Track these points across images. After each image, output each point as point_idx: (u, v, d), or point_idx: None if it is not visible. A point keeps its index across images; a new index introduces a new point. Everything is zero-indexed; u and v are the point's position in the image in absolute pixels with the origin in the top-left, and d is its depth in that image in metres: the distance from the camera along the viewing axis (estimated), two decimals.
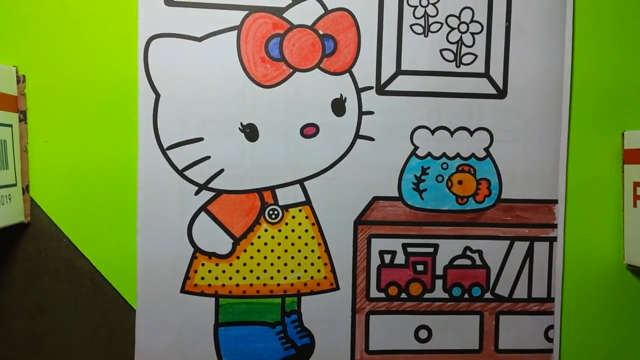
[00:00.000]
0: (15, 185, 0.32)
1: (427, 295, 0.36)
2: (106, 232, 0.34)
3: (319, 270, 0.36)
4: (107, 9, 0.33)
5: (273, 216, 0.35)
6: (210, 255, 0.35)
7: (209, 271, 0.35)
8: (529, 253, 0.37)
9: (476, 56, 0.35)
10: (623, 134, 0.37)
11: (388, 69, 0.35)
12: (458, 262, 0.37)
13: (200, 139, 0.34)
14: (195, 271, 0.35)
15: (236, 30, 0.34)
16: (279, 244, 0.36)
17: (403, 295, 0.36)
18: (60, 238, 0.34)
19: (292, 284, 0.36)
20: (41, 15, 0.33)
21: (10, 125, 0.32)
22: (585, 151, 0.37)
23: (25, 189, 0.34)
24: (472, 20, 0.35)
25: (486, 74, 0.35)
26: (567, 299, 0.37)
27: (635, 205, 0.36)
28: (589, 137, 0.37)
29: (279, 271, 0.36)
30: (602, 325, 0.38)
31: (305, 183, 0.35)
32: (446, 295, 0.36)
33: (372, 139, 0.35)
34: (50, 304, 0.34)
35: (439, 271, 0.36)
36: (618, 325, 0.38)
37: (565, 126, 0.36)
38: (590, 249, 0.37)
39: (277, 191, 0.35)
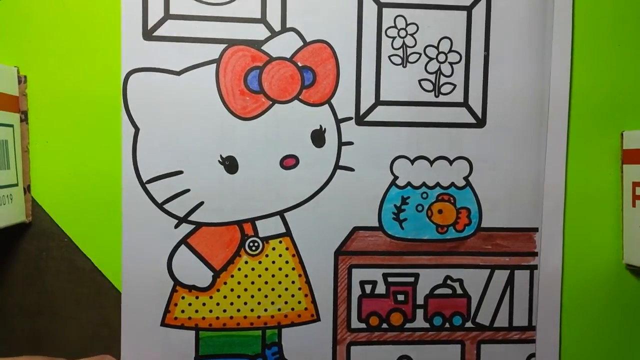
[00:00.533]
0: (16, 185, 0.32)
1: (408, 325, 0.36)
2: (107, 232, 0.34)
3: (299, 302, 0.36)
4: (107, 9, 0.33)
5: (253, 248, 0.35)
6: (191, 288, 0.35)
7: (189, 304, 0.35)
8: (510, 281, 0.37)
9: (455, 86, 0.36)
10: (622, 134, 0.37)
11: (367, 100, 0.35)
12: (439, 291, 0.37)
13: (180, 172, 0.34)
14: (176, 304, 0.35)
15: (215, 64, 0.34)
16: (260, 275, 0.35)
17: (384, 325, 0.36)
18: (61, 238, 0.34)
19: (272, 316, 0.36)
20: (42, 15, 0.33)
21: (12, 126, 0.32)
22: (585, 151, 0.37)
23: (27, 189, 0.34)
24: (450, 50, 0.35)
25: (465, 104, 0.36)
26: (566, 299, 0.37)
27: (634, 205, 0.36)
28: (588, 137, 0.37)
29: (259, 303, 0.36)
30: (602, 325, 0.38)
31: (286, 214, 0.35)
32: (427, 325, 0.36)
33: (352, 170, 0.35)
34: (51, 304, 0.34)
35: (420, 301, 0.36)
36: (617, 325, 0.38)
37: (564, 126, 0.36)
38: (590, 248, 0.37)
39: (258, 223, 0.35)
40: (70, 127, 0.34)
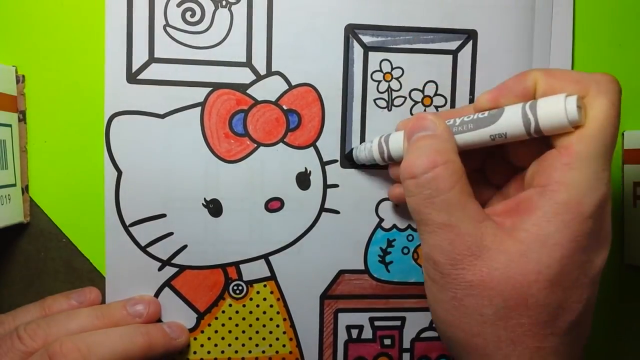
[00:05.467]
0: (14, 185, 0.32)
1: None
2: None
3: (284, 345, 0.35)
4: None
5: (237, 291, 0.35)
6: None
7: None
8: None
9: None
10: (623, 134, 0.37)
11: (352, 143, 0.35)
12: (425, 334, 0.36)
13: (163, 215, 0.34)
14: None
15: (200, 107, 0.34)
16: (244, 318, 0.35)
17: None
18: (59, 238, 0.34)
19: (256, 358, 0.35)
20: (41, 15, 0.33)
21: (10, 125, 0.32)
22: None
23: (25, 189, 0.33)
24: (435, 94, 0.35)
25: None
26: None
27: (635, 205, 0.36)
28: None
29: (243, 345, 0.35)
30: (602, 325, 0.38)
31: (270, 258, 0.35)
32: None
33: (337, 212, 0.35)
34: None
35: (407, 344, 0.36)
36: (618, 325, 0.38)
37: None
38: None
39: (242, 266, 0.35)
40: (69, 127, 0.33)
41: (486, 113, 0.27)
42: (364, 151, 0.33)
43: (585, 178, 0.24)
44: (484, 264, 0.25)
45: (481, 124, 0.27)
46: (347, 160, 0.35)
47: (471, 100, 0.36)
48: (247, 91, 0.34)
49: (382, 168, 0.35)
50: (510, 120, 0.26)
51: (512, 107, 0.26)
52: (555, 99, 0.25)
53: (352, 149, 0.34)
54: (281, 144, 0.34)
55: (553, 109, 0.24)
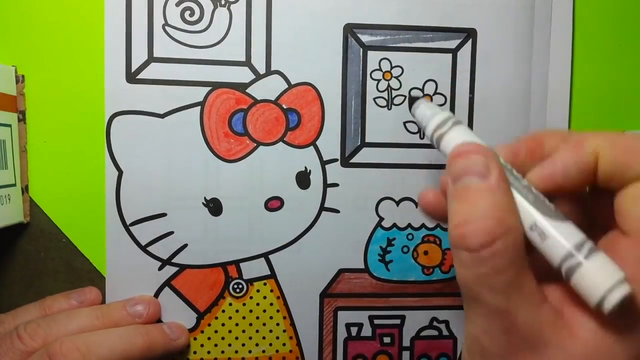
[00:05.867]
0: (14, 185, 0.32)
1: None
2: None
3: (284, 344, 0.36)
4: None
5: (237, 290, 0.35)
6: None
7: None
8: None
9: None
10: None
11: (352, 142, 0.35)
12: (425, 333, 0.36)
13: (164, 215, 0.34)
14: None
15: (199, 106, 0.34)
16: (244, 317, 0.35)
17: None
18: (59, 238, 0.34)
19: (257, 358, 0.35)
20: (41, 15, 0.33)
21: (10, 125, 0.32)
22: None
23: (25, 189, 0.33)
24: (435, 93, 0.35)
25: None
26: None
27: None
28: None
29: (243, 345, 0.35)
30: None
31: (270, 256, 0.35)
32: None
33: (337, 211, 0.35)
34: None
35: (406, 343, 0.36)
36: None
37: (565, 127, 0.36)
38: None
39: (242, 265, 0.35)
40: (68, 126, 0.33)
41: (548, 202, 0.22)
42: (423, 114, 0.26)
43: None
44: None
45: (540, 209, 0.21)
46: (410, 103, 0.31)
47: (471, 99, 0.36)
48: (247, 90, 0.34)
49: (380, 167, 0.35)
50: (555, 249, 0.21)
51: (560, 232, 0.21)
52: (604, 276, 0.20)
53: (415, 98, 0.28)
54: (281, 143, 0.34)
55: (591, 284, 0.20)
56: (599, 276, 0.19)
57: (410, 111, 0.28)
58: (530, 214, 0.21)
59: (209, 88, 0.34)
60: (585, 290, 0.20)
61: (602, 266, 0.20)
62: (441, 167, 0.36)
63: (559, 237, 0.20)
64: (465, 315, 0.22)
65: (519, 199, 0.21)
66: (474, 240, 0.20)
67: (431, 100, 0.35)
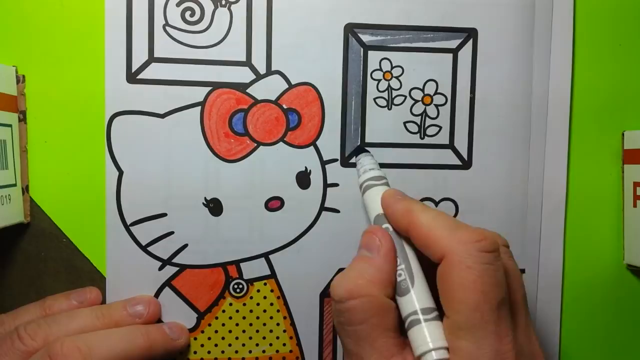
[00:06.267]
0: (15, 185, 0.32)
1: None
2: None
3: (284, 344, 0.36)
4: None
5: (238, 290, 0.35)
6: None
7: None
8: None
9: (440, 128, 0.36)
10: (623, 134, 0.37)
11: (352, 142, 0.35)
12: None
13: (164, 215, 0.34)
14: None
15: (200, 106, 0.34)
16: (244, 317, 0.35)
17: None
18: (60, 238, 0.34)
19: (257, 358, 0.36)
20: (41, 15, 0.33)
21: (10, 125, 0.32)
22: (586, 151, 0.37)
23: (25, 189, 0.33)
24: (436, 92, 0.35)
25: (450, 145, 0.36)
26: (566, 299, 0.37)
27: (635, 206, 0.36)
28: (589, 137, 0.37)
29: (243, 345, 0.35)
30: (602, 325, 0.38)
31: (271, 256, 0.35)
32: None
33: (337, 211, 0.35)
34: None
35: None
36: (618, 326, 0.38)
37: (565, 126, 0.36)
38: (590, 249, 0.37)
39: (242, 265, 0.35)
40: (69, 127, 0.33)
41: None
42: (360, 173, 0.33)
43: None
44: None
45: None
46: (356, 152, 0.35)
47: (472, 99, 0.36)
48: (247, 90, 0.34)
49: (381, 167, 0.35)
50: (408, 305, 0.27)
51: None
52: (434, 338, 0.25)
53: (358, 153, 0.34)
54: (281, 143, 0.34)
55: (422, 339, 0.25)
56: (429, 336, 0.25)
57: (355, 158, 0.34)
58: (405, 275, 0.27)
59: (210, 88, 0.34)
60: (416, 342, 0.25)
61: (434, 330, 0.25)
62: (441, 167, 0.36)
63: (414, 297, 0.26)
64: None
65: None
66: (337, 295, 0.27)
67: (431, 101, 0.35)
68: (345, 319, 0.26)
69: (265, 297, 0.35)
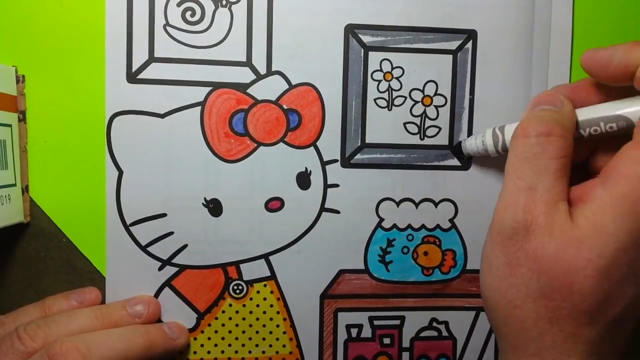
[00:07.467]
0: (14, 185, 0.32)
1: None
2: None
3: (284, 345, 0.36)
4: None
5: (237, 291, 0.35)
6: None
7: None
8: None
9: (440, 129, 0.36)
10: None
11: (353, 142, 0.35)
12: (425, 333, 0.36)
13: (164, 215, 0.34)
14: None
15: (200, 106, 0.34)
16: (244, 318, 0.35)
17: None
18: (59, 238, 0.34)
19: (256, 358, 0.35)
20: (40, 15, 0.33)
21: (10, 125, 0.32)
22: None
23: (25, 189, 0.33)
24: (435, 94, 0.35)
25: (450, 146, 0.36)
26: None
27: None
28: None
29: (243, 345, 0.35)
30: None
31: (270, 257, 0.35)
32: None
33: (337, 212, 0.35)
34: None
35: (406, 343, 0.36)
36: None
37: None
38: None
39: (242, 266, 0.35)
40: (68, 126, 0.33)
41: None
42: (475, 142, 0.34)
43: None
44: (543, 239, 0.25)
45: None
46: (454, 153, 0.35)
47: (471, 100, 0.36)
48: (247, 91, 0.34)
49: (381, 167, 0.35)
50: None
51: None
52: None
53: (459, 142, 0.35)
54: (281, 143, 0.34)
55: None
56: None
57: (465, 154, 0.35)
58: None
59: (210, 88, 0.34)
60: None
61: None
62: (441, 167, 0.36)
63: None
64: (500, 195, 0.28)
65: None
66: (534, 130, 0.27)
67: (431, 101, 0.35)
68: (539, 151, 0.27)
69: (265, 299, 0.35)
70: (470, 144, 0.34)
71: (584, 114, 0.29)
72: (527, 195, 0.26)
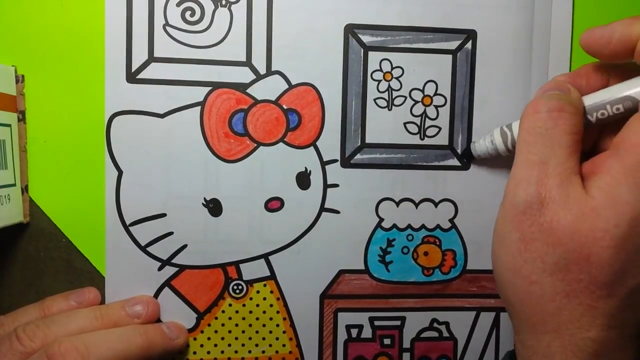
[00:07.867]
0: (14, 185, 0.32)
1: None
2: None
3: (284, 345, 0.35)
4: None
5: (237, 291, 0.35)
6: None
7: None
8: (495, 323, 0.37)
9: (440, 128, 0.36)
10: None
11: (352, 142, 0.35)
12: (425, 334, 0.36)
13: (163, 215, 0.34)
14: None
15: (199, 106, 0.34)
16: (244, 318, 0.35)
17: None
18: (59, 238, 0.34)
19: (256, 359, 0.35)
20: (40, 15, 0.33)
21: (9, 125, 0.32)
22: None
23: (25, 189, 0.33)
24: (435, 93, 0.35)
25: (450, 146, 0.36)
26: None
27: None
28: None
29: (243, 345, 0.35)
30: None
31: (270, 257, 0.35)
32: None
33: (337, 212, 0.35)
34: None
35: (406, 344, 0.36)
36: None
37: None
38: None
39: (242, 266, 0.35)
40: (68, 126, 0.33)
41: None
42: (484, 143, 0.34)
43: None
44: (558, 211, 0.25)
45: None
46: (465, 157, 0.35)
47: (471, 100, 0.36)
48: (247, 90, 0.34)
49: (381, 167, 0.35)
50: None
51: None
52: None
53: (468, 146, 0.35)
54: (281, 143, 0.34)
55: None
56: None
57: (475, 156, 0.35)
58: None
59: (209, 88, 0.34)
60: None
61: None
62: (441, 167, 0.36)
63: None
64: (512, 172, 0.28)
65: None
66: (545, 105, 0.27)
67: (431, 101, 0.35)
68: (551, 126, 0.27)
69: (265, 299, 0.35)
70: (480, 146, 0.34)
71: (590, 99, 0.29)
72: (540, 169, 0.26)
